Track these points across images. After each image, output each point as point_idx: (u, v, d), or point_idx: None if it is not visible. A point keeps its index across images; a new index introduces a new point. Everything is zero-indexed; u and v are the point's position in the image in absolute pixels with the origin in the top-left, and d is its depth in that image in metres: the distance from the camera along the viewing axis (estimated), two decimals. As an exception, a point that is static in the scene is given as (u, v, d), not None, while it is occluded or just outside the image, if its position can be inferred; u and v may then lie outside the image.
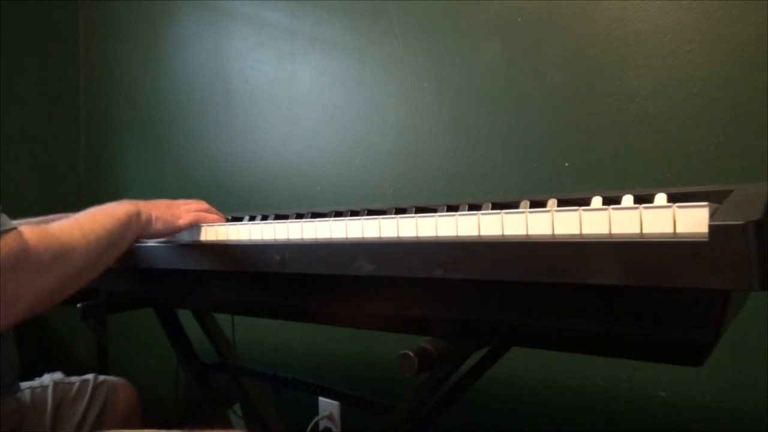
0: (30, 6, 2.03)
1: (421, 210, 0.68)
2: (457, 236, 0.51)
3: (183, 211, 0.80)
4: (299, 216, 0.79)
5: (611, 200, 0.56)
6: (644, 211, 0.41)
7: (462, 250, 0.48)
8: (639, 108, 0.98)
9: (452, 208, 0.68)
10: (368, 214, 0.72)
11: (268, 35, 1.57)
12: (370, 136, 1.35)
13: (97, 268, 0.67)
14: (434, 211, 0.65)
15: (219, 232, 0.74)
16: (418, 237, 0.54)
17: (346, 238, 0.59)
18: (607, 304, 0.45)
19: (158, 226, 0.76)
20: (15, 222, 0.58)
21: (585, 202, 0.57)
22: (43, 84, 2.09)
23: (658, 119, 0.96)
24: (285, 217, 0.83)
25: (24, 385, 1.02)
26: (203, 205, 0.85)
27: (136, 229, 0.74)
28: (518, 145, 1.12)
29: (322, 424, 1.43)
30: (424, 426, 0.87)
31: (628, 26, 0.99)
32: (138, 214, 0.74)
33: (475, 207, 0.65)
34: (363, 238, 0.58)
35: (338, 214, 0.76)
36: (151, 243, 0.79)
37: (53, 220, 0.79)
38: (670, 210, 0.40)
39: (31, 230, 0.58)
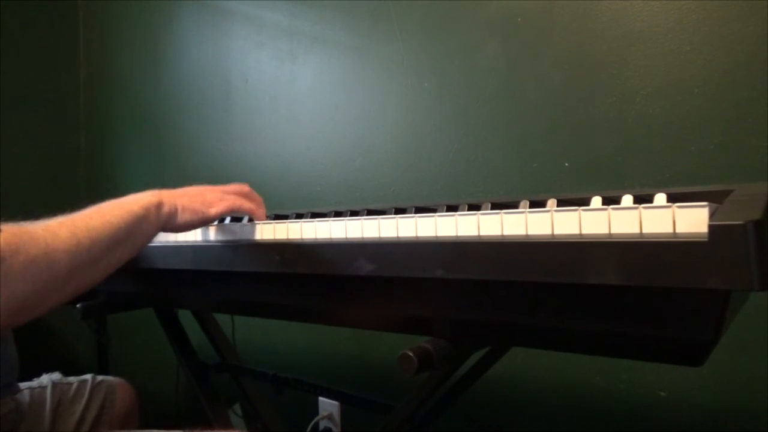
0: (30, 6, 2.03)
1: (420, 210, 0.68)
2: (456, 236, 0.51)
3: (218, 196, 0.72)
4: (299, 216, 0.79)
5: (611, 200, 0.56)
6: (644, 211, 0.41)
7: (462, 250, 0.48)
8: (639, 108, 0.98)
9: (452, 208, 0.68)
10: (368, 214, 0.72)
11: (268, 35, 1.57)
12: (370, 136, 1.35)
13: (98, 267, 0.59)
14: (434, 211, 0.65)
15: (218, 231, 0.73)
16: (417, 237, 0.53)
17: (346, 238, 0.59)
18: (607, 304, 0.45)
19: (185, 217, 0.68)
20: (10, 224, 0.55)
21: (585, 202, 0.57)
22: (43, 84, 2.09)
23: (658, 119, 0.96)
24: (284, 217, 0.82)
25: (23, 385, 1.02)
26: (245, 188, 0.76)
27: (155, 222, 0.65)
28: (518, 145, 1.12)
29: (322, 424, 1.43)
30: (424, 426, 0.87)
31: (628, 26, 0.99)
32: (159, 206, 0.66)
33: (474, 207, 0.65)
34: (362, 238, 0.57)
35: (338, 214, 0.75)
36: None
37: None
38: (669, 210, 0.40)
39: (6, 229, 0.51)
